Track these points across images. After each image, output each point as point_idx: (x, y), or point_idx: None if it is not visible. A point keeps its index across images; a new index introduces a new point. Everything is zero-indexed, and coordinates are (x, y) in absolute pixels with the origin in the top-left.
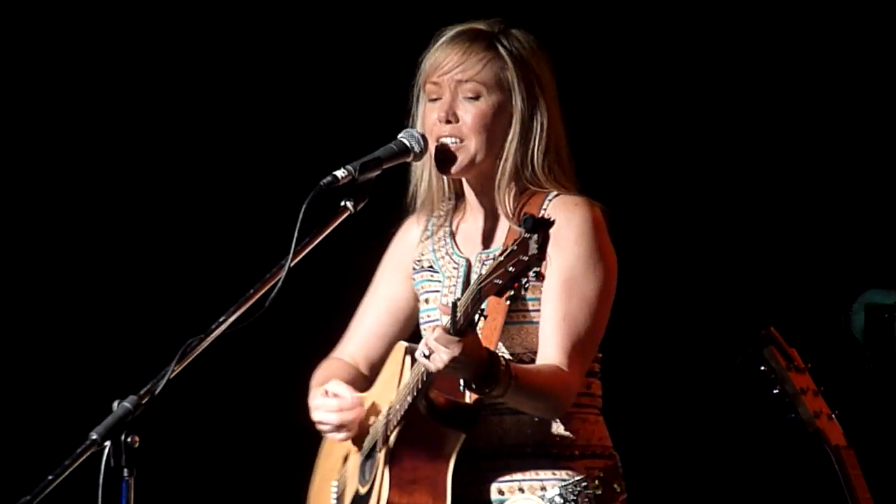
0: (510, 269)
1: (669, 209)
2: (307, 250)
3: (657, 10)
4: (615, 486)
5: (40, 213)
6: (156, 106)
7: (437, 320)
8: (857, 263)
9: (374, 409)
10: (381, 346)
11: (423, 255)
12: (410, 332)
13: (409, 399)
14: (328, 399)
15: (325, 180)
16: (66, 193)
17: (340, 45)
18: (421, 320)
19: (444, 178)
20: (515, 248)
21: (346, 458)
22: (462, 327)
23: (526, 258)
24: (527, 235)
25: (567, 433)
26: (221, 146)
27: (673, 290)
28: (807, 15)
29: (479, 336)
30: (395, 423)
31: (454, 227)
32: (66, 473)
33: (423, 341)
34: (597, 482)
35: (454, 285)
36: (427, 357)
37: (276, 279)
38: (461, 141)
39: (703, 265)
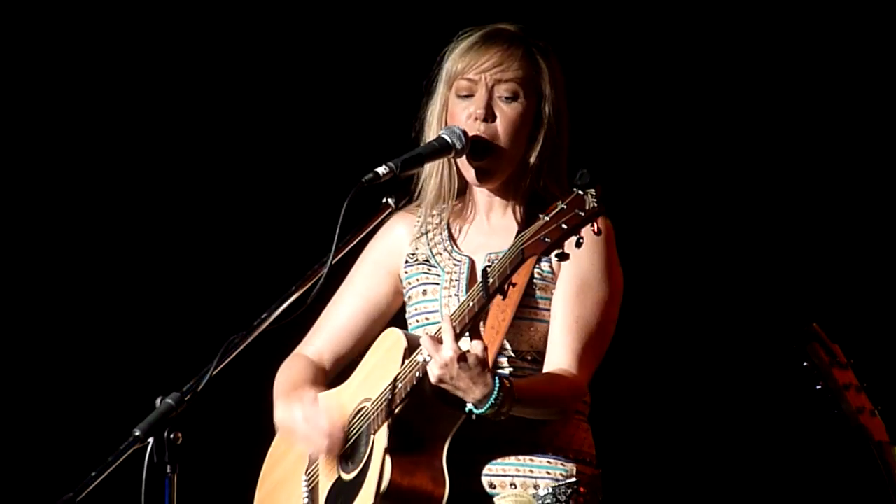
0: (563, 225)
1: (708, 207)
2: (349, 247)
3: (658, 19)
4: (599, 495)
5: (86, 210)
6: (201, 102)
7: (434, 311)
8: None
9: (353, 399)
10: (352, 342)
11: (417, 249)
12: (380, 331)
13: (419, 375)
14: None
15: (366, 177)
16: (112, 191)
17: (374, 43)
18: (412, 312)
19: (455, 177)
20: (566, 205)
21: (311, 456)
22: (495, 291)
23: (583, 213)
24: (581, 192)
25: (563, 435)
26: (265, 145)
27: (716, 287)
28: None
29: (485, 329)
30: (397, 403)
31: (453, 227)
32: (110, 470)
33: (422, 342)
34: (586, 487)
35: (457, 280)
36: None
37: (318, 276)
38: (493, 141)
39: (747, 261)
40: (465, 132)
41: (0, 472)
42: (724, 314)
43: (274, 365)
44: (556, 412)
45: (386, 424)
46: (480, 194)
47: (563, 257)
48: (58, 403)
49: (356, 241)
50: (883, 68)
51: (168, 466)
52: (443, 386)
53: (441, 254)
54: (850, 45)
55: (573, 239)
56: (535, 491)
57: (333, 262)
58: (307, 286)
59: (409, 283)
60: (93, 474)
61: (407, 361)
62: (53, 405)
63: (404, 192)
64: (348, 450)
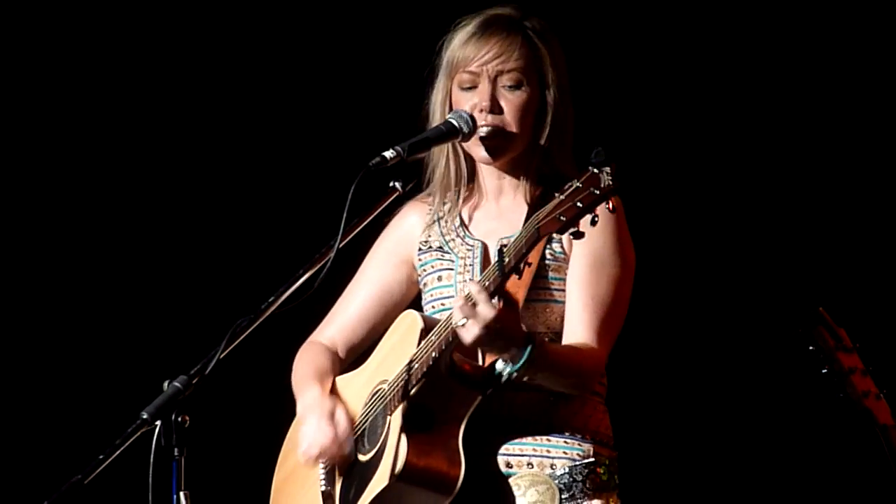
0: (578, 203)
1: (716, 191)
2: (356, 231)
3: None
4: (616, 477)
5: (95, 193)
6: (208, 86)
7: (449, 297)
8: None
9: (370, 382)
10: (364, 331)
11: (430, 236)
12: (394, 319)
13: (435, 355)
14: (326, 429)
15: (373, 161)
16: (126, 176)
17: (378, 29)
18: (427, 299)
19: (464, 163)
20: (581, 183)
21: None
22: (511, 270)
23: (598, 191)
24: (596, 170)
25: (580, 416)
26: (274, 130)
27: (725, 271)
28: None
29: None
30: (413, 384)
31: (464, 213)
32: (118, 453)
33: (456, 307)
34: (603, 468)
35: (470, 265)
36: (471, 326)
37: (325, 260)
38: (503, 131)
39: (755, 246)
40: (472, 116)
41: (9, 455)
42: (733, 298)
43: (282, 348)
44: (577, 382)
45: (402, 405)
46: (489, 178)
47: (578, 235)
48: (66, 386)
49: (363, 225)
50: (883, 57)
51: (176, 449)
52: (480, 347)
53: (454, 240)
54: (850, 30)
55: (588, 217)
56: (551, 471)
57: (341, 246)
58: (314, 270)
59: (425, 270)
60: (100, 457)
61: (423, 342)
62: (62, 388)
63: (411, 177)
64: (365, 431)
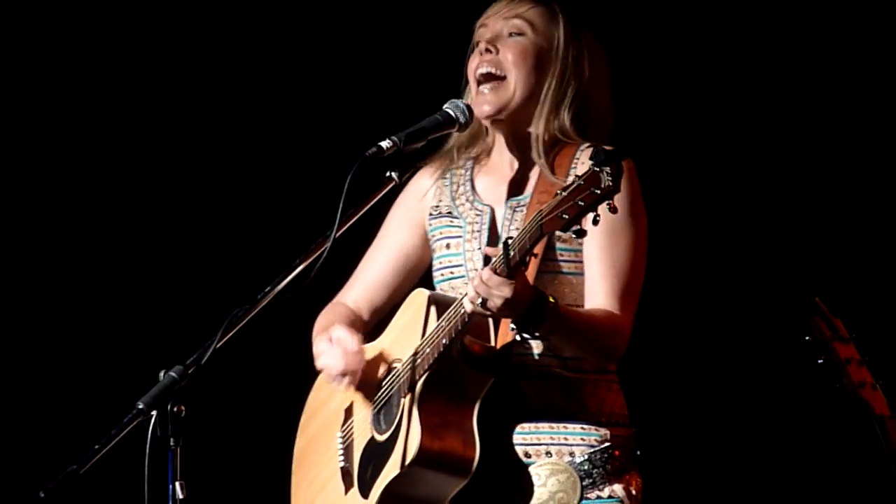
0: (580, 202)
1: (713, 182)
2: (352, 221)
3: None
4: (635, 454)
5: (98, 186)
6: (207, 81)
7: (458, 265)
8: None
9: (385, 358)
10: (386, 294)
11: (440, 201)
12: (415, 282)
13: (445, 341)
14: (332, 346)
15: (369, 151)
16: (122, 167)
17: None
18: (437, 266)
19: (477, 126)
20: (583, 182)
21: (347, 412)
22: (516, 265)
23: (598, 191)
24: (597, 169)
25: (594, 399)
26: (271, 120)
27: (720, 261)
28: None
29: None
30: (425, 367)
31: (474, 178)
32: (114, 442)
33: (472, 285)
34: (620, 450)
35: (478, 231)
36: (482, 303)
37: (322, 250)
38: (500, 75)
39: (752, 236)
40: (468, 106)
41: (5, 445)
42: (730, 289)
43: (278, 338)
44: (601, 347)
45: (415, 388)
46: (500, 142)
47: (581, 234)
48: (62, 377)
49: (360, 214)
50: (875, 50)
51: (171, 439)
52: (489, 308)
53: (463, 204)
54: (844, 30)
55: (590, 216)
56: (570, 458)
57: (337, 236)
58: (311, 259)
59: (433, 236)
60: (96, 447)
61: (433, 327)
62: (58, 378)
63: (408, 166)
64: (382, 408)
